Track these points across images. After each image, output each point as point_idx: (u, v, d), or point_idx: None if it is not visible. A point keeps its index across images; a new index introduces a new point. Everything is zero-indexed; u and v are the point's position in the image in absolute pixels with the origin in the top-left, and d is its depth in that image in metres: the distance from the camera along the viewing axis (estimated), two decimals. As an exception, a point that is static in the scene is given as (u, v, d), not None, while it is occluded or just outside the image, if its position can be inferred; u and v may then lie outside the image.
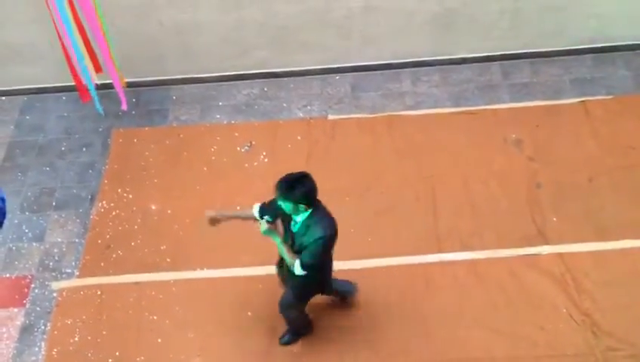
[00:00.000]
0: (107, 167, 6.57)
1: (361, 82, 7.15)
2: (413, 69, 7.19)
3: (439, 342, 5.29)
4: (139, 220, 6.17)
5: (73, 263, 5.95)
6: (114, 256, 5.95)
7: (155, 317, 5.56)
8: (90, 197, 6.38)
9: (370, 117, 6.81)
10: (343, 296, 5.39)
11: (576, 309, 5.38)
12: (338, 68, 7.20)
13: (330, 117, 6.85)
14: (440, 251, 5.80)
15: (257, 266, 5.67)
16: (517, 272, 5.62)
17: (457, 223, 5.95)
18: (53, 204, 6.36)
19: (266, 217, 4.36)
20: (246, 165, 6.46)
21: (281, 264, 4.82)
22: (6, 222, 5.08)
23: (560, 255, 5.68)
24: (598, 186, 6.12)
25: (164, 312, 5.58)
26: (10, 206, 6.00)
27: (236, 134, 6.75)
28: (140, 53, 6.86)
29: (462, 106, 6.85)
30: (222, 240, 5.86)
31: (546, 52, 7.15)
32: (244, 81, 7.22)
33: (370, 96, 7.02)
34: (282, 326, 5.29)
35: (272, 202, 4.38)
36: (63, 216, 6.27)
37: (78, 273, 5.88)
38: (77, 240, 6.10)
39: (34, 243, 6.10)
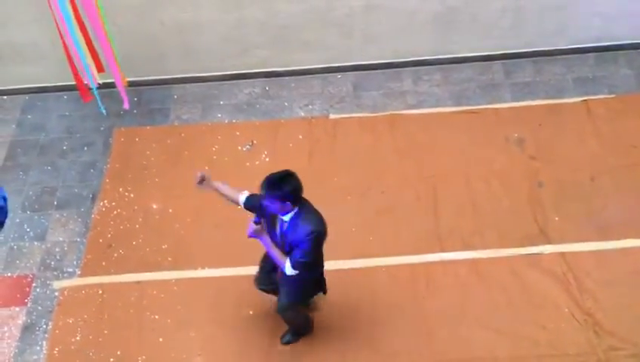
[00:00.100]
0: (108, 166, 6.58)
1: (362, 81, 7.14)
2: (414, 68, 7.18)
3: (441, 341, 5.28)
4: (140, 219, 6.17)
5: (75, 262, 5.95)
6: (115, 255, 5.96)
7: (156, 317, 5.56)
8: (91, 196, 6.38)
9: (372, 116, 6.80)
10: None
11: (578, 308, 5.37)
12: (339, 67, 7.19)
13: (332, 116, 6.84)
14: (441, 250, 5.79)
15: (257, 266, 5.66)
16: (519, 272, 5.61)
17: (459, 222, 5.95)
18: (55, 203, 6.36)
19: (252, 219, 4.33)
20: (247, 164, 6.46)
21: (268, 269, 4.78)
22: (7, 221, 5.08)
23: (562, 254, 5.67)
24: (601, 185, 6.11)
25: (165, 311, 5.58)
26: (12, 205, 6.01)
27: (237, 133, 6.75)
28: (142, 52, 6.87)
29: (463, 105, 6.84)
30: (223, 240, 5.86)
31: (548, 51, 7.14)
32: (246, 80, 7.22)
33: (371, 95, 7.01)
34: (283, 326, 5.29)
35: (259, 202, 4.33)
36: (65, 215, 6.27)
37: (79, 272, 5.88)
38: (78, 240, 6.10)
39: (35, 243, 6.11)
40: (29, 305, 5.74)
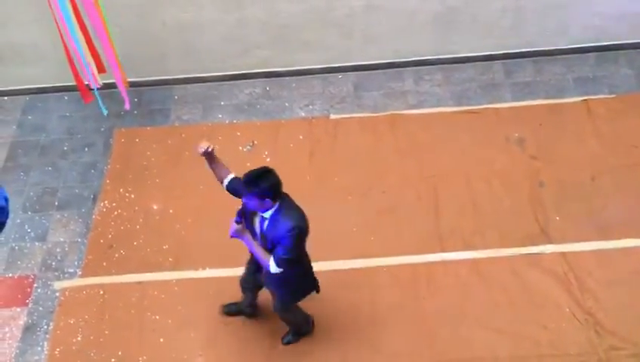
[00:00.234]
0: (109, 166, 6.58)
1: (363, 81, 7.14)
2: (415, 68, 7.18)
3: (442, 341, 5.29)
4: (141, 220, 6.18)
5: (76, 263, 5.96)
6: (116, 255, 5.96)
7: (157, 317, 5.56)
8: (92, 196, 6.38)
9: (373, 116, 6.80)
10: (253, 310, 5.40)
11: (579, 308, 5.37)
12: (340, 67, 7.19)
13: (333, 116, 6.84)
14: (442, 250, 5.79)
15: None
16: (519, 271, 5.61)
17: (460, 222, 5.95)
18: (56, 203, 6.36)
19: (234, 219, 4.32)
20: (248, 164, 6.36)
21: (253, 270, 4.77)
22: (9, 222, 5.08)
23: (563, 254, 5.67)
24: (601, 185, 6.11)
25: (166, 312, 5.58)
26: (13, 206, 5.99)
27: (238, 134, 6.75)
28: (142, 53, 6.87)
29: (464, 105, 6.84)
30: (224, 240, 5.84)
31: (548, 50, 7.14)
32: (246, 81, 7.22)
33: (372, 96, 7.01)
34: (284, 326, 5.29)
35: (239, 187, 4.29)
36: (66, 215, 6.27)
37: (80, 273, 5.88)
38: (79, 240, 6.10)
39: (36, 243, 6.11)
40: (30, 305, 5.74)
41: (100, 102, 6.14)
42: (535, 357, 5.18)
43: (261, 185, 4.10)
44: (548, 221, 5.90)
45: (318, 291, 4.91)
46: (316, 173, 6.39)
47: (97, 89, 6.09)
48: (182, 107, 7.07)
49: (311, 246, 5.82)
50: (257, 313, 5.44)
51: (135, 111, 6.97)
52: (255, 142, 6.68)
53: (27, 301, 5.76)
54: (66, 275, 5.89)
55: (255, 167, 4.21)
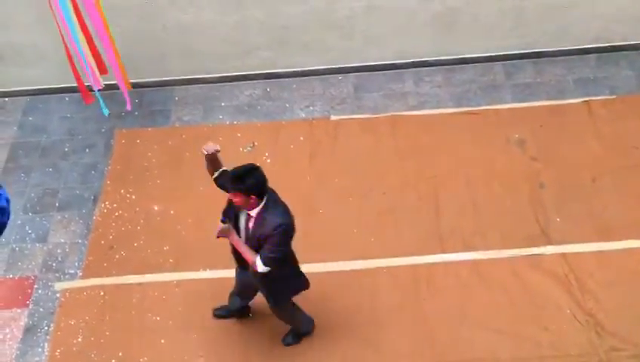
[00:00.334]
0: (110, 167, 6.58)
1: (363, 82, 7.15)
2: (415, 70, 7.18)
3: (442, 342, 5.28)
4: (142, 221, 6.18)
5: (76, 264, 5.96)
6: (117, 256, 5.96)
7: (158, 318, 5.56)
8: (92, 197, 6.39)
9: (373, 117, 6.80)
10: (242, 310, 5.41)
11: (580, 309, 5.37)
12: (340, 68, 7.20)
13: (333, 117, 6.84)
14: (442, 251, 5.79)
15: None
16: (520, 272, 5.61)
17: (460, 223, 5.95)
18: (56, 204, 6.36)
19: (220, 218, 4.32)
20: (249, 166, 6.45)
21: (242, 270, 4.76)
22: (9, 223, 5.08)
23: (563, 255, 5.67)
24: (602, 186, 6.10)
25: (167, 313, 5.58)
26: (14, 207, 5.99)
27: (239, 135, 6.75)
28: (143, 54, 6.87)
29: (464, 106, 6.84)
30: (224, 241, 5.84)
31: (549, 52, 7.14)
32: (247, 82, 7.22)
33: (372, 97, 7.01)
34: (285, 327, 5.29)
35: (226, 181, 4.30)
36: (66, 216, 6.28)
37: (81, 274, 5.89)
38: (80, 241, 6.10)
39: (37, 244, 6.11)
40: (30, 306, 5.74)
41: (101, 103, 6.15)
42: (536, 358, 5.17)
43: (246, 182, 4.11)
44: (548, 222, 5.90)
45: (307, 287, 4.86)
46: (316, 174, 6.39)
47: (98, 90, 6.10)
48: (182, 108, 7.07)
49: (311, 247, 5.85)
50: (248, 313, 5.45)
51: (136, 113, 6.98)
52: (255, 143, 6.68)
53: (28, 302, 5.77)
54: (67, 276, 5.89)
55: (242, 164, 4.22)
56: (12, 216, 5.93)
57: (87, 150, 6.77)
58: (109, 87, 6.48)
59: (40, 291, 5.82)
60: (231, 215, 4.38)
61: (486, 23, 6.85)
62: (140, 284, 5.75)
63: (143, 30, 6.71)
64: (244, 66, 7.14)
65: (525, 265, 5.64)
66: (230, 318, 5.48)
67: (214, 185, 4.60)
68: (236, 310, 5.42)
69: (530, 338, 5.26)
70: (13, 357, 5.46)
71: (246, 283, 4.89)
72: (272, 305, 4.93)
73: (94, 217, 6.23)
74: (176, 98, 7.16)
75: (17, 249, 6.09)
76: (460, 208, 6.05)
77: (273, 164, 6.48)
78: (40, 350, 5.49)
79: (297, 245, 5.81)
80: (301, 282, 4.82)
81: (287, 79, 7.20)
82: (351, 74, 7.21)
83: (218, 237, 4.37)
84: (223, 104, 7.08)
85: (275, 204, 4.30)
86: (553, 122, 6.60)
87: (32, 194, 6.46)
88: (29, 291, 5.83)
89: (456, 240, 5.85)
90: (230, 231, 4.34)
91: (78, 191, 6.45)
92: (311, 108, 6.97)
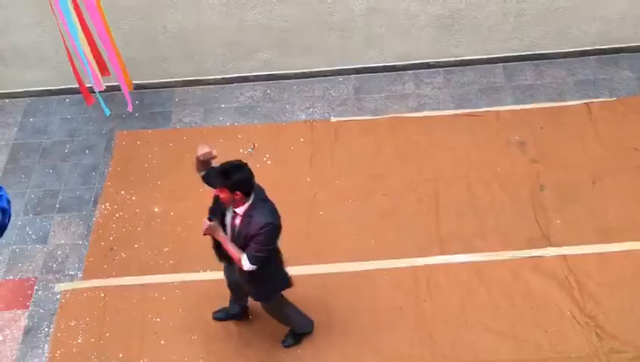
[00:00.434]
0: (110, 169, 6.59)
1: (364, 84, 7.15)
2: (416, 71, 7.19)
3: (443, 344, 5.28)
4: (142, 222, 6.18)
5: (77, 265, 5.96)
6: (117, 258, 5.96)
7: (158, 319, 5.56)
8: (93, 199, 6.39)
9: (373, 119, 6.81)
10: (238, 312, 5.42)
11: (580, 311, 5.37)
12: (341, 70, 7.20)
13: (333, 119, 6.85)
14: (443, 253, 5.79)
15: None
16: (520, 274, 5.61)
17: (460, 225, 5.95)
18: (57, 206, 6.37)
19: (207, 216, 4.32)
20: (249, 167, 6.45)
21: (233, 268, 4.76)
22: (10, 224, 5.09)
23: (564, 257, 5.67)
24: (602, 188, 6.10)
25: (167, 314, 5.58)
26: (14, 208, 6.01)
27: (239, 136, 6.76)
28: (144, 56, 6.88)
29: (465, 108, 6.84)
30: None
31: (549, 54, 7.14)
32: (247, 84, 7.23)
33: (373, 99, 7.02)
34: (284, 329, 5.29)
35: (214, 199, 4.31)
36: (67, 218, 6.28)
37: (81, 275, 5.89)
38: (80, 242, 6.11)
39: (37, 246, 6.11)
40: (31, 307, 5.74)
41: (102, 103, 6.15)
42: (536, 360, 5.17)
43: (232, 178, 4.11)
44: (549, 224, 5.90)
45: (291, 286, 4.85)
46: (317, 176, 6.39)
47: (99, 91, 6.11)
48: (183, 110, 7.08)
49: (311, 248, 5.87)
50: (246, 315, 5.46)
51: (136, 114, 6.98)
52: (256, 144, 6.68)
53: (28, 303, 5.77)
54: (67, 277, 5.89)
55: (230, 160, 4.22)
56: (13, 217, 5.97)
57: (87, 151, 6.77)
58: (110, 89, 6.50)
59: (40, 292, 5.82)
60: (218, 212, 4.37)
61: (486, 25, 6.86)
62: (140, 286, 5.75)
63: (144, 32, 6.71)
64: (244, 68, 7.14)
65: (525, 267, 5.65)
66: (230, 320, 5.48)
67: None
68: (235, 313, 5.42)
69: (531, 340, 5.26)
70: (14, 358, 5.46)
71: (234, 280, 4.89)
72: (256, 300, 4.92)
73: (95, 218, 6.24)
74: (177, 99, 7.17)
75: (18, 250, 6.09)
76: (460, 210, 6.05)
77: (273, 165, 6.49)
78: (40, 351, 5.49)
79: (297, 246, 5.86)
80: (285, 280, 4.80)
81: (287, 81, 7.21)
82: (351, 76, 7.21)
83: (204, 234, 4.36)
84: (223, 106, 7.08)
85: (262, 202, 4.30)
86: (553, 124, 6.60)
87: (33, 196, 6.46)
88: (30, 292, 5.83)
89: (457, 241, 5.85)
90: (217, 228, 4.34)
91: (78, 193, 6.46)
92: (311, 109, 6.97)
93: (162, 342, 5.44)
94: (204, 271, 5.82)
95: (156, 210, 6.26)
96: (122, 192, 6.40)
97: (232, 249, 4.36)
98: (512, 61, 7.16)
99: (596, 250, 5.71)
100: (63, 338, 5.51)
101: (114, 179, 6.50)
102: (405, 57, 7.13)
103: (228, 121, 6.95)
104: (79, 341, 5.49)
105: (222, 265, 5.77)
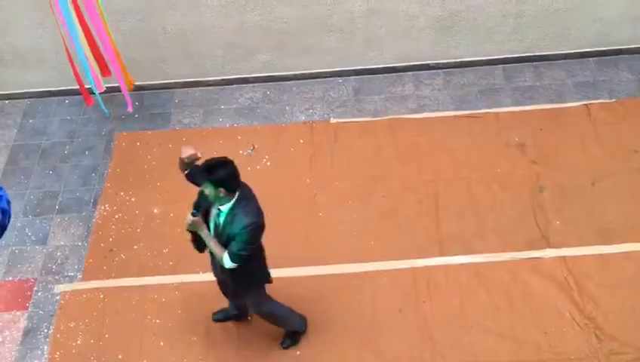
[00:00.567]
0: (110, 170, 6.59)
1: (363, 86, 7.15)
2: (415, 73, 7.19)
3: (442, 345, 5.28)
4: (141, 223, 6.18)
5: (76, 266, 5.96)
6: (117, 259, 5.96)
7: (157, 321, 5.56)
8: (92, 200, 6.39)
9: (373, 120, 6.81)
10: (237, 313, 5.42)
11: (580, 313, 5.37)
12: (341, 71, 7.20)
13: (333, 120, 6.85)
14: (442, 255, 5.79)
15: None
16: (520, 276, 5.61)
17: (460, 226, 5.95)
18: (56, 207, 6.37)
19: (191, 211, 4.31)
20: (248, 168, 6.45)
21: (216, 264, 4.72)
22: (9, 225, 5.09)
23: (563, 258, 5.68)
24: (602, 190, 6.11)
25: (166, 315, 5.58)
26: (14, 209, 6.00)
27: (239, 138, 6.76)
28: (143, 57, 6.88)
29: (465, 110, 6.84)
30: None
31: (549, 55, 7.15)
32: (247, 85, 7.23)
33: (372, 100, 7.02)
34: (283, 330, 5.29)
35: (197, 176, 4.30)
36: (66, 219, 6.28)
37: (80, 276, 5.89)
38: (80, 244, 6.10)
39: (37, 247, 6.11)
40: (30, 309, 5.74)
41: (101, 103, 6.15)
42: (536, 361, 5.17)
43: (216, 174, 4.11)
44: (548, 225, 5.90)
45: (269, 281, 4.84)
46: (316, 177, 6.39)
47: (99, 92, 6.12)
48: (182, 111, 7.07)
49: (311, 250, 5.87)
50: (245, 316, 5.45)
51: (136, 115, 6.98)
52: (255, 146, 6.68)
53: (27, 304, 5.76)
54: (67, 279, 5.89)
55: (215, 157, 4.23)
56: (12, 218, 5.97)
57: (87, 152, 6.77)
58: (110, 90, 6.50)
59: (40, 293, 5.82)
60: (202, 208, 4.36)
61: (486, 27, 6.86)
62: (139, 287, 5.75)
63: (144, 33, 6.72)
64: (244, 69, 7.15)
65: (525, 269, 5.65)
66: (229, 321, 5.47)
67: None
68: (234, 314, 5.41)
69: (530, 341, 5.26)
70: (13, 359, 5.46)
71: (218, 276, 4.89)
72: (249, 303, 4.92)
73: (94, 220, 6.24)
74: (177, 101, 7.17)
75: (17, 251, 6.09)
76: (460, 211, 6.05)
77: (273, 167, 6.49)
78: (39, 352, 5.48)
79: (297, 248, 5.86)
80: (265, 276, 4.79)
81: (287, 82, 7.21)
82: (351, 77, 7.22)
83: (187, 229, 4.36)
84: (223, 107, 7.08)
85: (247, 201, 4.30)
86: (553, 125, 6.60)
87: (32, 197, 6.46)
88: (29, 293, 5.83)
89: (456, 243, 5.85)
90: (200, 224, 4.33)
91: (78, 194, 6.46)
92: (311, 111, 6.97)
93: (161, 343, 5.44)
94: (203, 273, 5.80)
95: (156, 211, 6.26)
96: (122, 193, 6.40)
97: (214, 246, 4.36)
98: (512, 62, 7.17)
99: (596, 251, 5.71)
100: (62, 340, 5.51)
101: (113, 181, 6.50)
102: (405, 59, 7.14)
103: (227, 122, 6.95)
104: (78, 342, 5.48)
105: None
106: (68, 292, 5.78)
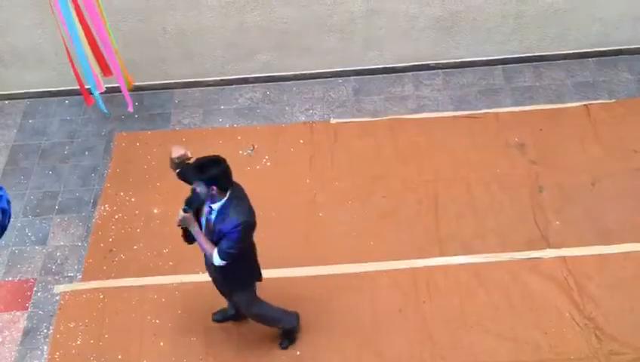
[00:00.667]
0: (110, 170, 6.59)
1: (363, 86, 7.16)
2: (415, 73, 7.19)
3: (442, 346, 5.28)
4: (141, 223, 6.18)
5: (76, 266, 5.96)
6: (116, 259, 5.96)
7: (157, 321, 5.56)
8: (92, 200, 6.39)
9: (373, 120, 6.81)
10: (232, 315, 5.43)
11: (580, 313, 5.37)
12: (341, 72, 7.20)
13: (333, 121, 6.85)
14: (442, 255, 5.79)
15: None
16: (519, 276, 5.61)
17: (460, 227, 5.95)
18: (56, 207, 6.37)
19: (182, 207, 4.32)
20: (248, 168, 6.46)
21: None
22: (9, 225, 5.09)
23: (563, 258, 5.68)
24: (601, 190, 6.11)
25: (166, 316, 5.58)
26: (13, 209, 6.00)
27: (239, 138, 6.76)
28: (143, 57, 6.88)
29: (464, 110, 6.84)
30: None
31: (548, 56, 7.15)
32: (247, 85, 7.23)
33: (372, 100, 7.02)
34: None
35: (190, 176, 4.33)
36: (66, 219, 6.28)
37: (80, 276, 5.88)
38: (80, 244, 6.10)
39: (37, 247, 6.11)
40: (30, 309, 5.74)
41: (101, 103, 6.15)
42: (535, 361, 5.17)
43: (207, 172, 4.13)
44: (548, 225, 5.91)
45: (259, 280, 4.85)
46: (316, 178, 6.39)
47: (99, 92, 6.12)
48: (182, 111, 7.08)
49: (311, 250, 5.87)
50: (244, 316, 5.43)
51: (136, 115, 6.98)
52: (255, 146, 6.68)
53: (27, 304, 5.76)
54: (66, 279, 5.89)
55: (208, 155, 4.25)
56: (12, 219, 5.96)
57: (86, 153, 6.77)
58: (110, 90, 6.49)
59: (39, 294, 5.81)
60: (193, 205, 4.37)
61: (486, 27, 6.87)
62: (139, 287, 5.75)
63: (144, 33, 6.72)
64: (244, 69, 7.15)
65: (525, 269, 5.65)
66: (229, 321, 5.47)
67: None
68: (233, 314, 5.41)
69: (530, 341, 5.26)
70: (13, 359, 5.46)
71: (212, 275, 4.89)
72: (242, 302, 4.92)
73: (94, 220, 6.23)
74: (176, 101, 7.17)
75: (17, 251, 6.09)
76: (460, 211, 6.05)
77: (273, 167, 6.50)
78: (39, 353, 5.48)
79: (297, 248, 5.86)
80: (255, 275, 4.81)
81: (287, 82, 7.22)
82: (351, 77, 7.22)
83: (178, 225, 4.38)
84: (222, 107, 7.09)
85: (238, 200, 4.31)
86: (553, 126, 6.61)
87: (32, 197, 6.46)
88: (29, 294, 5.83)
89: (456, 243, 5.85)
90: (191, 220, 4.34)
91: (77, 194, 6.46)
92: (311, 111, 6.97)
93: (161, 343, 5.44)
94: (203, 273, 5.77)
95: (155, 211, 6.26)
96: (122, 194, 6.40)
97: (204, 242, 4.38)
98: (512, 63, 7.17)
99: (595, 251, 5.71)
100: (62, 340, 5.51)
101: (113, 181, 6.50)
102: (405, 59, 7.14)
103: (227, 122, 6.95)
104: (78, 342, 5.48)
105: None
106: (68, 292, 5.78)
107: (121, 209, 6.29)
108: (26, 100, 7.25)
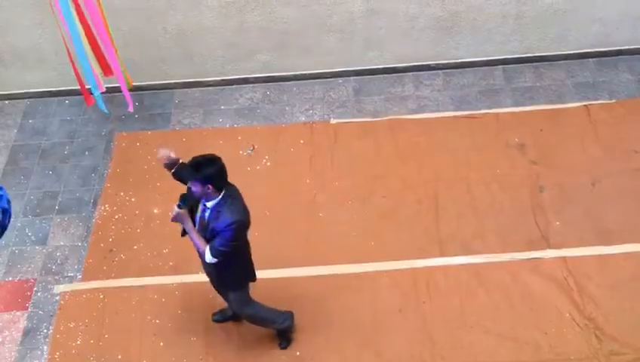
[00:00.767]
0: (110, 170, 6.59)
1: (363, 86, 7.15)
2: (415, 73, 7.19)
3: (442, 346, 5.28)
4: (141, 224, 6.18)
5: (76, 266, 5.96)
6: (116, 259, 5.96)
7: (157, 321, 5.56)
8: (92, 200, 6.39)
9: (373, 121, 6.81)
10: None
11: (580, 313, 5.37)
12: (341, 72, 7.20)
13: (333, 121, 6.85)
14: (442, 255, 5.79)
15: (258, 270, 5.65)
16: (520, 276, 5.61)
17: (460, 227, 5.95)
18: (56, 207, 6.36)
19: (177, 203, 4.35)
20: (248, 169, 6.46)
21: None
22: (9, 225, 5.09)
23: (563, 259, 5.68)
24: (602, 190, 6.11)
25: (166, 316, 5.58)
26: (13, 209, 5.99)
27: (239, 138, 6.76)
28: (143, 57, 6.88)
29: (464, 110, 6.84)
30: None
31: (549, 56, 7.15)
32: (247, 85, 7.23)
33: (372, 100, 7.02)
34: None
35: (186, 175, 4.38)
36: (66, 219, 6.27)
37: (80, 276, 5.88)
38: (80, 244, 6.10)
39: (37, 247, 6.11)
40: (30, 309, 5.74)
41: (101, 103, 6.15)
42: (535, 362, 5.18)
43: (203, 171, 4.17)
44: (548, 226, 5.90)
45: (254, 280, 4.88)
46: (316, 178, 6.39)
47: (99, 92, 6.11)
48: (182, 111, 7.08)
49: (311, 250, 5.87)
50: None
51: (136, 115, 6.98)
52: (255, 146, 6.68)
53: (27, 304, 5.76)
54: (66, 279, 5.89)
55: (203, 154, 4.29)
56: (12, 219, 5.96)
57: (87, 153, 6.77)
58: (110, 90, 6.49)
59: (39, 294, 5.81)
60: (188, 202, 4.40)
61: (486, 27, 6.87)
62: (139, 287, 5.75)
63: (144, 33, 6.72)
64: (244, 70, 7.15)
65: (525, 269, 5.64)
66: (229, 321, 5.47)
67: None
68: (232, 314, 5.41)
69: (530, 341, 5.26)
70: (13, 359, 5.45)
71: (208, 274, 4.90)
72: (235, 301, 4.92)
73: (94, 220, 6.23)
74: (177, 101, 7.17)
75: (17, 251, 6.09)
76: (460, 212, 6.05)
77: (273, 167, 6.49)
78: (39, 353, 5.48)
79: (297, 248, 5.86)
80: (248, 274, 4.83)
81: (287, 82, 7.22)
82: (351, 77, 7.22)
83: (172, 221, 4.40)
84: (223, 107, 7.09)
85: (232, 200, 4.35)
86: (553, 126, 6.61)
87: (32, 197, 6.46)
88: (29, 294, 5.82)
89: (456, 243, 5.85)
90: (185, 216, 4.38)
91: (77, 194, 6.45)
92: (311, 111, 6.97)
93: (161, 343, 5.44)
94: (203, 273, 5.79)
95: (156, 211, 6.26)
96: (122, 194, 6.40)
97: (197, 239, 4.42)
98: (512, 63, 7.18)
99: (596, 251, 5.71)
100: (62, 340, 5.51)
101: (113, 181, 6.50)
102: (405, 59, 7.14)
103: (227, 122, 6.95)
104: (78, 342, 5.48)
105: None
106: (68, 292, 5.78)
107: (121, 209, 6.29)
108: (26, 100, 7.25)
